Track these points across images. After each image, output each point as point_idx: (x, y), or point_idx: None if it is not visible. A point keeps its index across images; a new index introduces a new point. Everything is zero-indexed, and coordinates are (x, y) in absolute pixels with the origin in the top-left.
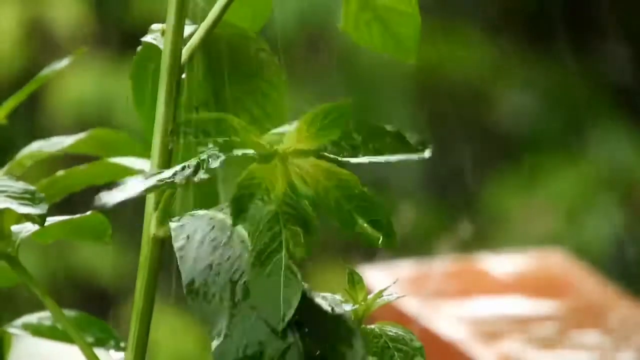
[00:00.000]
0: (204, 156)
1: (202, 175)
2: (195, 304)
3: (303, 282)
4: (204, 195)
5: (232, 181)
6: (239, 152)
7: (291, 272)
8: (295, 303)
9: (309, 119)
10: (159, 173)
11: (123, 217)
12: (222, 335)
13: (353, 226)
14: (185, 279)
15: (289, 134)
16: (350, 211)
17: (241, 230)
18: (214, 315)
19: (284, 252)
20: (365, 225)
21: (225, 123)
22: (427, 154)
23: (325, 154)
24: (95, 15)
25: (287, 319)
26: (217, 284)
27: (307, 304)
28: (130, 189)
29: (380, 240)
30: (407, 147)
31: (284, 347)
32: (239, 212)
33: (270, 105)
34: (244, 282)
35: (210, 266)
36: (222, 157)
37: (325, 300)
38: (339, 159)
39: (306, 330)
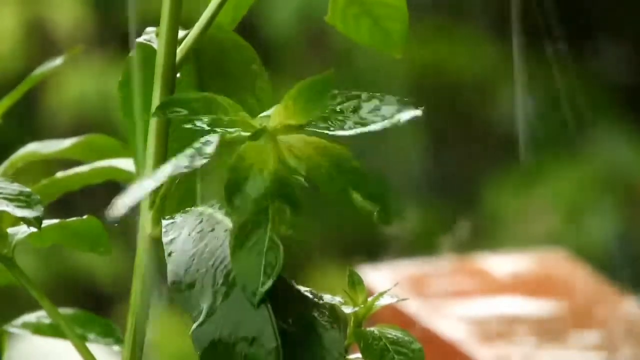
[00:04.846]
0: (197, 144)
1: (198, 161)
2: (179, 296)
3: (289, 278)
4: (185, 194)
5: (210, 175)
6: (227, 129)
7: (274, 244)
8: (274, 276)
9: (293, 94)
10: (158, 171)
11: (120, 217)
12: (201, 318)
13: (348, 200)
14: (170, 270)
15: (275, 111)
16: (344, 185)
17: (226, 220)
18: (195, 302)
19: (269, 225)
20: (361, 199)
21: (214, 102)
22: (417, 112)
23: (315, 130)
24: (95, 15)
25: (265, 288)
26: (199, 271)
27: (286, 288)
28: (136, 192)
29: (376, 214)
30: (396, 109)
31: (259, 326)
32: (231, 196)
33: None
34: (225, 267)
35: (193, 256)
36: (216, 141)
37: (308, 291)
38: (329, 133)
39: (283, 310)
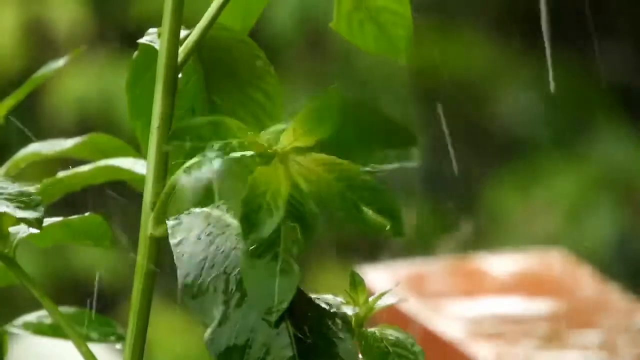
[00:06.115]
0: (202, 158)
1: (204, 176)
2: (191, 299)
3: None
4: (201, 194)
5: (227, 177)
6: (238, 154)
7: (288, 265)
8: (289, 297)
9: (302, 115)
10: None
11: (121, 216)
12: (215, 324)
13: (359, 217)
14: (180, 273)
15: (285, 133)
16: (355, 201)
17: (236, 223)
18: (208, 308)
19: (281, 246)
20: (372, 214)
21: (223, 125)
22: (414, 163)
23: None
24: (95, 15)
25: (280, 310)
26: (211, 275)
27: (299, 296)
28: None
29: (388, 228)
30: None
31: (275, 335)
32: (250, 228)
33: (265, 117)
34: (238, 273)
35: (204, 259)
36: (222, 158)
37: (320, 298)
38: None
39: (297, 318)
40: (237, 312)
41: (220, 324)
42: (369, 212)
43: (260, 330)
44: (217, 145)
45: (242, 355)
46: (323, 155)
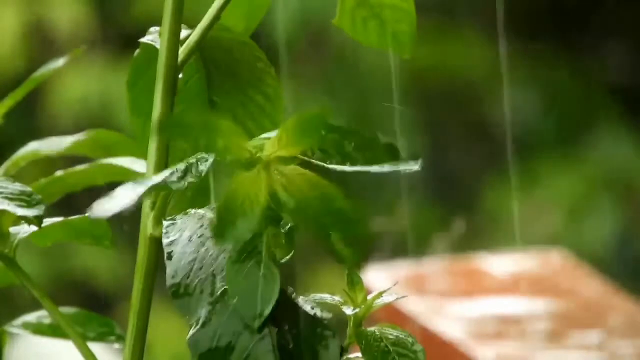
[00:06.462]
0: (192, 159)
1: (190, 179)
2: (177, 298)
3: (289, 287)
4: (197, 193)
5: (223, 178)
6: (220, 156)
7: (270, 271)
8: (272, 301)
9: (288, 126)
10: (149, 179)
11: (121, 217)
12: (199, 324)
13: (326, 240)
14: (169, 273)
15: (270, 140)
16: (326, 225)
17: None
18: (194, 308)
19: (264, 252)
20: (338, 240)
21: (212, 124)
22: (416, 166)
23: (313, 160)
24: (96, 16)
25: (263, 316)
26: (199, 277)
27: (285, 302)
28: (122, 198)
29: (347, 258)
30: (397, 158)
31: (257, 338)
32: (222, 232)
33: (265, 118)
34: (225, 276)
35: (194, 260)
36: (210, 161)
37: (308, 302)
38: (326, 166)
39: (282, 324)
40: (221, 315)
41: (204, 325)
42: (336, 237)
43: (242, 334)
44: (203, 141)
45: (223, 357)
46: (306, 171)
